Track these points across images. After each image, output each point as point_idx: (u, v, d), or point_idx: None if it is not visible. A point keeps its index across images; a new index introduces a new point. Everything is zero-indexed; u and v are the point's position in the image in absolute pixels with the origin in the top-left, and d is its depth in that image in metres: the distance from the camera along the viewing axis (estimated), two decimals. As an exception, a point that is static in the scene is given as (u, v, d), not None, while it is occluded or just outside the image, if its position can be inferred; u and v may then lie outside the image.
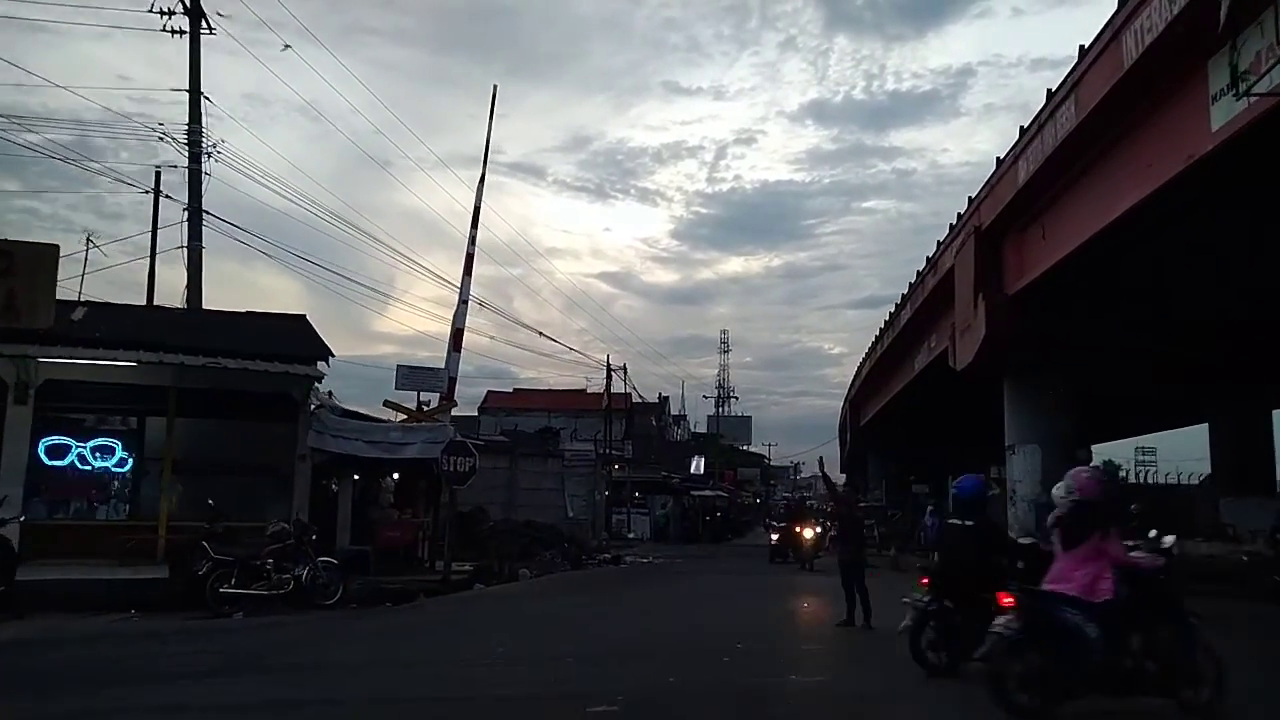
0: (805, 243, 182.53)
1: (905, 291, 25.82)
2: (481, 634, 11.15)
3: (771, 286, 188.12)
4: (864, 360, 39.36)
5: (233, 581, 12.28)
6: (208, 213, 19.75)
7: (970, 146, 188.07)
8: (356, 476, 17.38)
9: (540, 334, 53.92)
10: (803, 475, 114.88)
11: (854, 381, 44.70)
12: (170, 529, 14.26)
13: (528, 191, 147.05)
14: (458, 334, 21.31)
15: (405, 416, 18.95)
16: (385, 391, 31.07)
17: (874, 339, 35.93)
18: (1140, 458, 52.16)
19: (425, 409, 20.01)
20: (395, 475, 18.58)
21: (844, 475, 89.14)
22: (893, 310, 28.94)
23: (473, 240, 21.75)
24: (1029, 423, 17.91)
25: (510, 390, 64.85)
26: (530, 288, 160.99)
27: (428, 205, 64.46)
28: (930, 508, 25.76)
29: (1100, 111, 11.78)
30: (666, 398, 67.24)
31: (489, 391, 67.11)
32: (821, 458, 17.97)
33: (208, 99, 19.81)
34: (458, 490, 17.00)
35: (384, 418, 18.83)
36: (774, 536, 27.45)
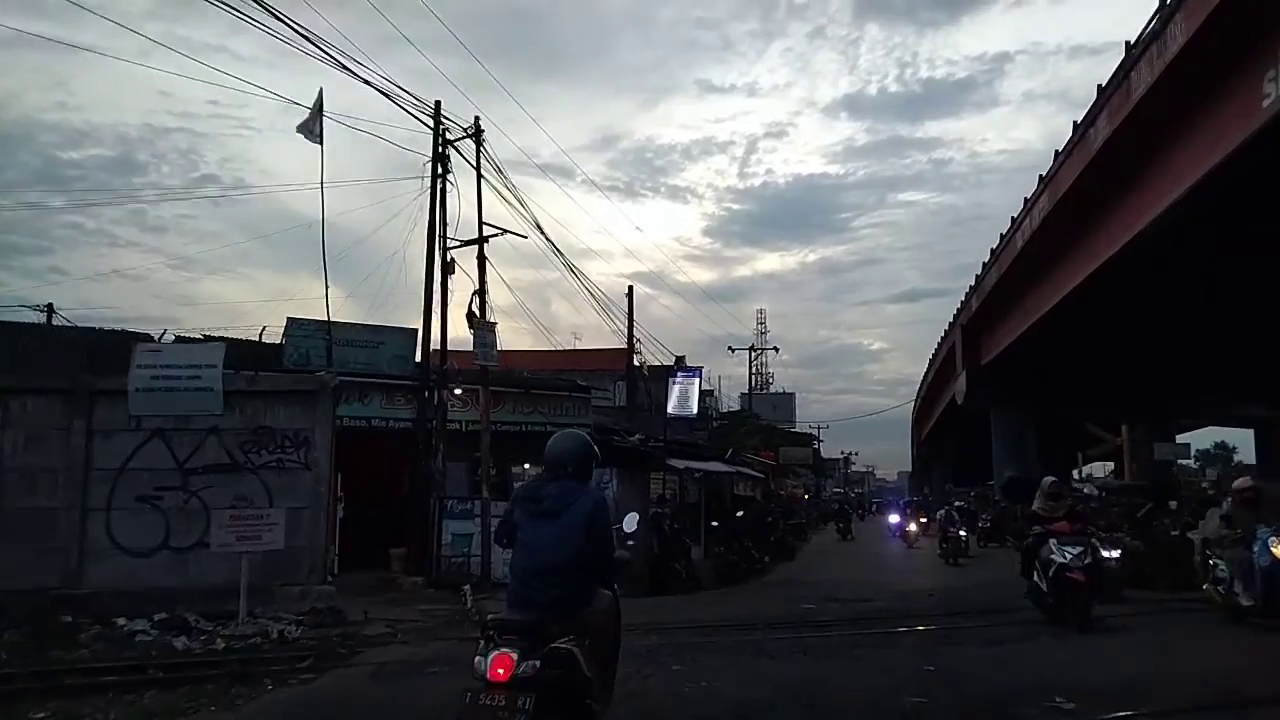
0: (841, 237, 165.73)
1: None
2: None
3: (808, 282, 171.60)
4: (1011, 230, 22.24)
5: None
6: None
7: (1011, 135, 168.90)
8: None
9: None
10: (854, 469, 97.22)
11: (974, 287, 27.52)
12: None
13: (558, 192, 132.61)
14: None
15: None
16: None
17: (1044, 176, 19.09)
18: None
19: None
20: None
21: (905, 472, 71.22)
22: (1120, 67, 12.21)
23: None
24: None
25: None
26: (563, 292, 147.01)
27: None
28: None
29: None
30: (681, 357, 48.87)
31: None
32: None
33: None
34: None
35: None
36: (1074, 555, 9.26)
